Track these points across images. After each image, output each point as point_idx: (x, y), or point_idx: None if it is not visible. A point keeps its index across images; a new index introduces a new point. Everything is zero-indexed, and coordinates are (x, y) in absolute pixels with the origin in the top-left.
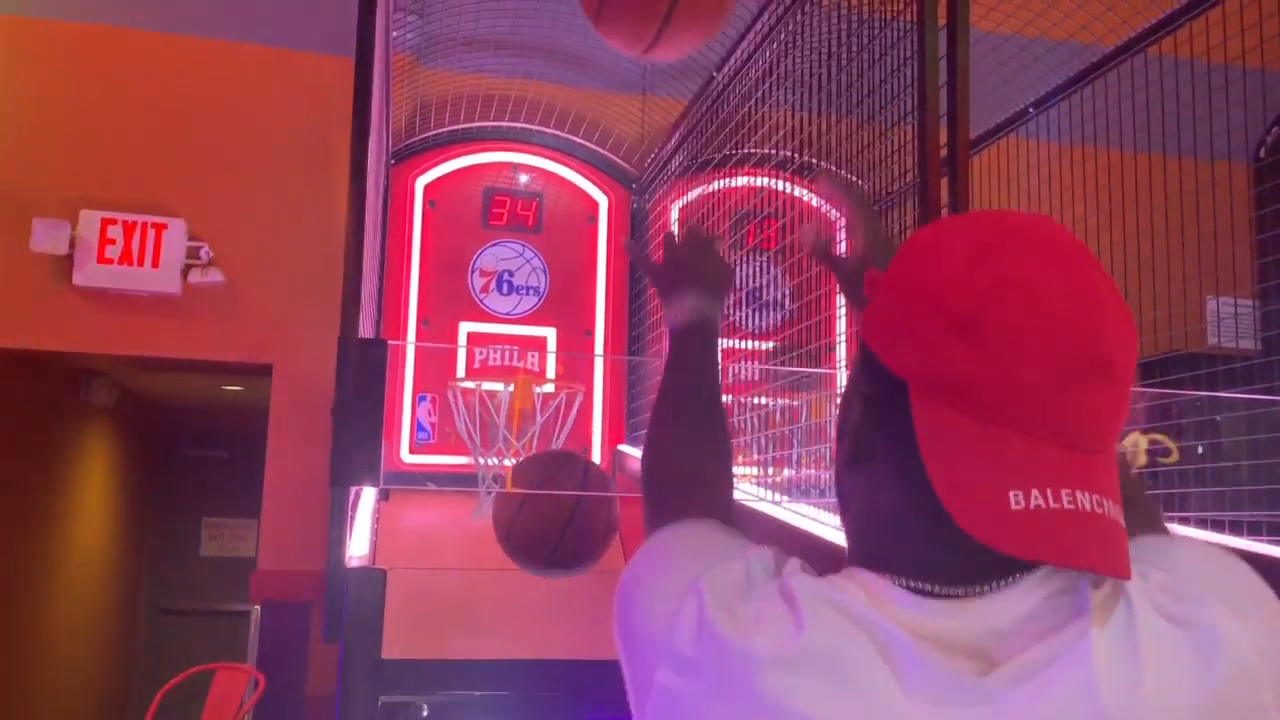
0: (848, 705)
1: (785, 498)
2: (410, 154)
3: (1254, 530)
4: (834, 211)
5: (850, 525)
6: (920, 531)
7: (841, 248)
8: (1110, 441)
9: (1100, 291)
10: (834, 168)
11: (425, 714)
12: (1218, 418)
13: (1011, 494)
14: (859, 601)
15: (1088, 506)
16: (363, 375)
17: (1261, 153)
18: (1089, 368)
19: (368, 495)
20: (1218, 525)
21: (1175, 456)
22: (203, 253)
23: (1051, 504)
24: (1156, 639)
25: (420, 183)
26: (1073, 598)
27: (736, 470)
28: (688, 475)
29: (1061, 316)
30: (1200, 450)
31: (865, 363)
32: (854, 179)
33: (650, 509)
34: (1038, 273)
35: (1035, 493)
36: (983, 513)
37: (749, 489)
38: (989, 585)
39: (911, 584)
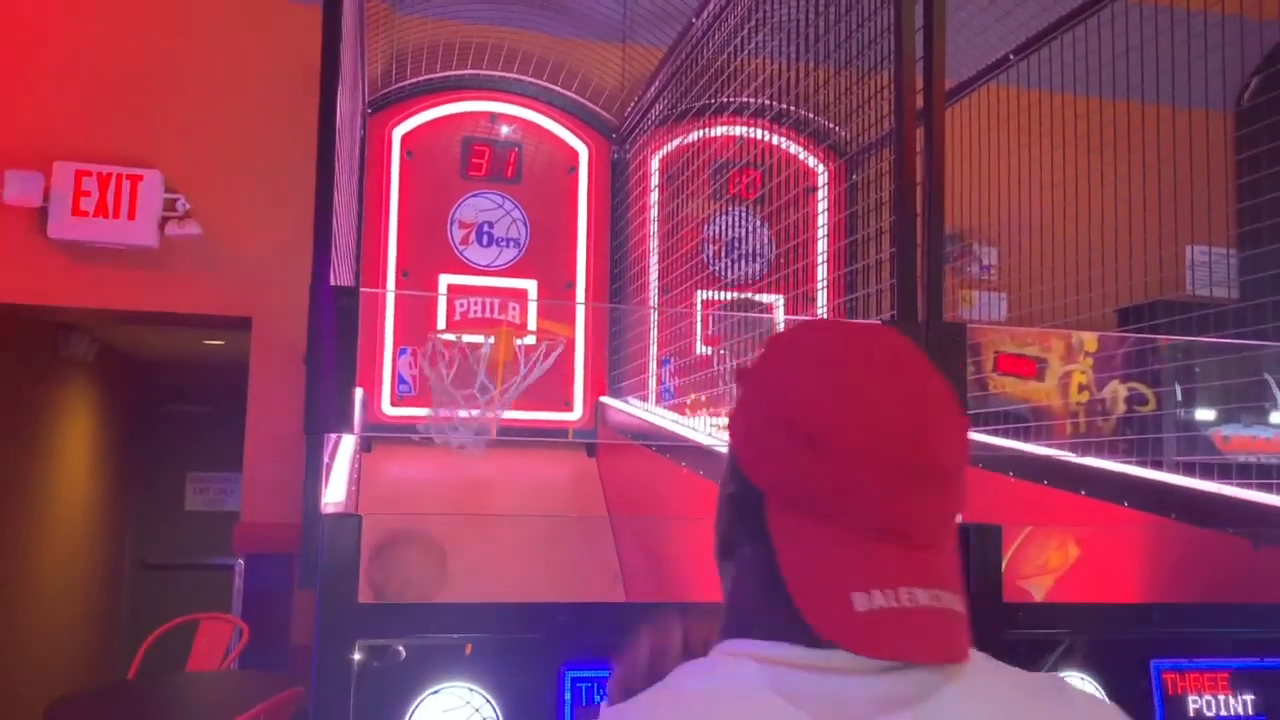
0: None
1: None
2: (386, 104)
3: (1225, 473)
4: (811, 159)
5: (724, 604)
6: (782, 618)
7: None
8: (945, 535)
9: (928, 399)
10: (811, 114)
11: (403, 656)
12: (1195, 368)
13: (854, 596)
14: (735, 655)
15: (924, 601)
16: (335, 323)
17: (1242, 100)
18: (917, 471)
19: (346, 445)
20: (1189, 469)
21: (1152, 404)
22: (179, 204)
23: (891, 603)
24: (1006, 697)
25: (397, 133)
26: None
27: (718, 421)
28: None
29: (890, 427)
30: (1179, 398)
31: (731, 464)
32: (832, 125)
33: None
34: (869, 388)
35: (876, 593)
36: (830, 614)
37: (727, 438)
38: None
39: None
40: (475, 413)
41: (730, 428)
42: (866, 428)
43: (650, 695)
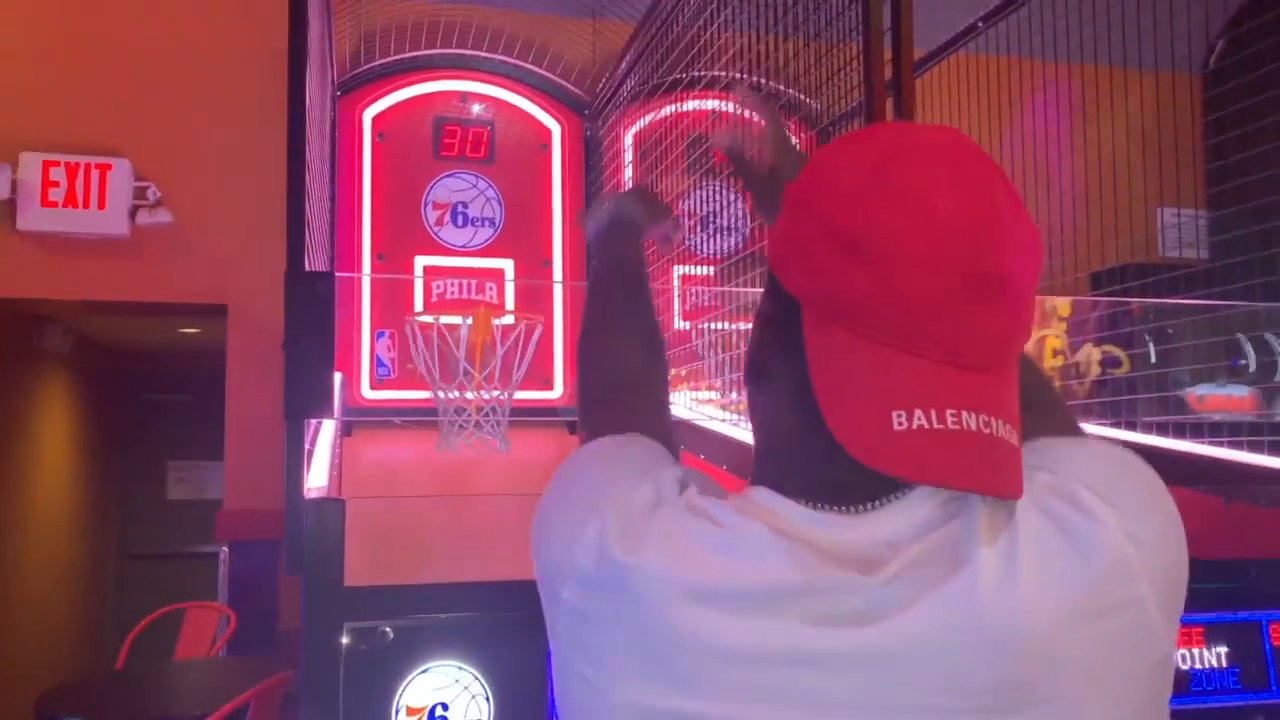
0: (727, 620)
1: (742, 418)
2: (356, 86)
3: (1197, 432)
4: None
5: (755, 442)
6: (814, 452)
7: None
8: (1005, 359)
9: (999, 206)
10: (782, 87)
11: (391, 637)
12: (1169, 330)
13: (895, 414)
14: (752, 518)
15: (973, 426)
16: (311, 308)
17: (1210, 62)
18: (980, 285)
19: (327, 429)
20: (1162, 429)
21: (1126, 366)
22: (150, 193)
23: (935, 424)
24: (1036, 540)
25: (368, 115)
26: (961, 504)
27: (698, 395)
28: (613, 373)
29: (952, 232)
30: (1153, 359)
31: (769, 283)
32: (803, 97)
33: (580, 415)
34: (930, 188)
35: (919, 413)
36: (865, 434)
37: (709, 411)
38: (883, 500)
39: (808, 501)
40: (484, 394)
41: (769, 236)
42: (917, 229)
43: (668, 516)
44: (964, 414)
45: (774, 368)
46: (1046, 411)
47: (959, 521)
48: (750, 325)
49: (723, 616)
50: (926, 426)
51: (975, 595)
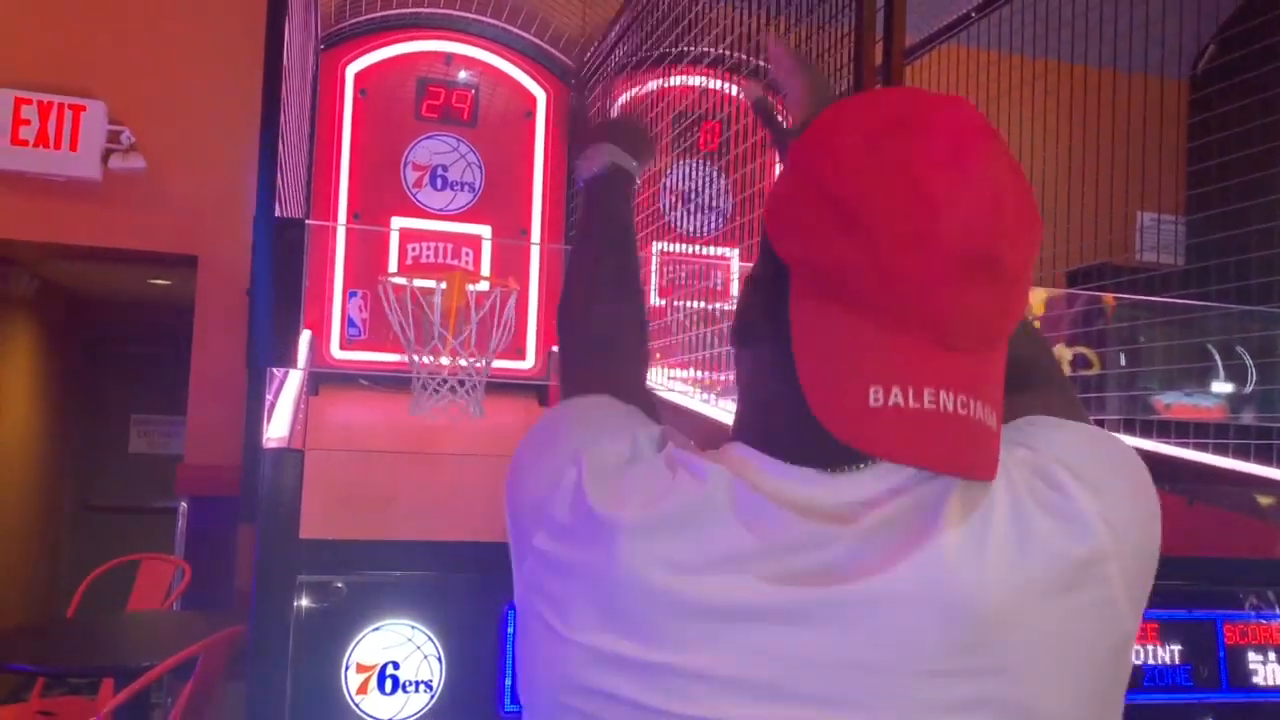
0: (696, 564)
1: (716, 397)
2: (340, 40)
3: (1163, 432)
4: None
5: (739, 398)
6: (795, 416)
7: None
8: (993, 340)
9: (1000, 186)
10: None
11: (344, 593)
12: (1140, 336)
13: (872, 390)
14: (725, 471)
15: (950, 407)
16: (280, 255)
17: (1198, 66)
18: (973, 265)
19: (292, 383)
20: (1129, 426)
21: (1096, 367)
22: (124, 137)
23: (911, 403)
24: (1007, 515)
25: (351, 70)
26: (936, 475)
27: (673, 374)
28: (601, 335)
29: (949, 215)
30: (1123, 361)
31: (762, 243)
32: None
33: (561, 372)
34: (932, 168)
35: (896, 390)
36: (840, 408)
37: (685, 389)
38: (859, 465)
39: (786, 459)
40: (459, 360)
41: (767, 201)
42: (914, 208)
43: (644, 466)
44: (942, 394)
45: (759, 331)
46: (1046, 389)
47: (933, 491)
48: (741, 293)
49: (690, 572)
50: (902, 405)
51: (940, 564)
